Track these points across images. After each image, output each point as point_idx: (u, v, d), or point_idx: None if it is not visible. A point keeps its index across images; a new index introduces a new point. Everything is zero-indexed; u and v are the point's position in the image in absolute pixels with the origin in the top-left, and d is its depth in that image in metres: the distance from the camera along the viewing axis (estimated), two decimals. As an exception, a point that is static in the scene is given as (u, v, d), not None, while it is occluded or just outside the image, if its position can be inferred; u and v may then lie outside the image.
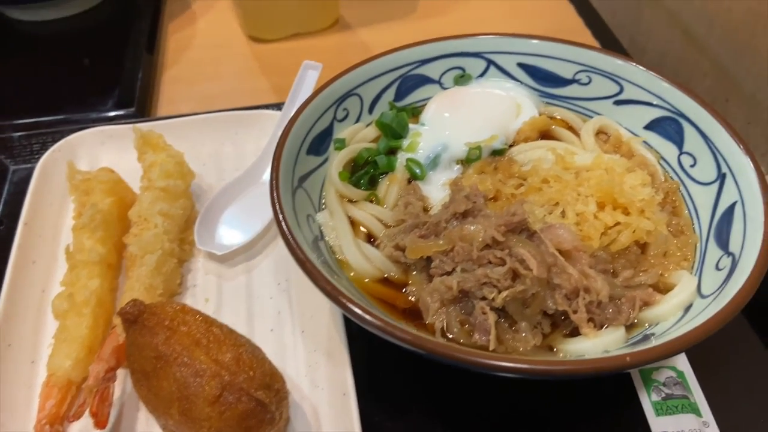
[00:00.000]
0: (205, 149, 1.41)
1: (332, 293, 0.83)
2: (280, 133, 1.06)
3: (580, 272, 0.89)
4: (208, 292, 1.16)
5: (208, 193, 1.34)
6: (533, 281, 0.87)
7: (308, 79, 1.42)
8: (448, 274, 0.92)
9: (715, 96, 1.78)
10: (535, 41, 1.24)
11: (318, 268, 0.86)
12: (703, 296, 0.90)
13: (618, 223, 0.98)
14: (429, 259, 0.95)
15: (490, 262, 0.90)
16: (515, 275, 0.88)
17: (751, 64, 1.62)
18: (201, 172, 1.37)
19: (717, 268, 0.93)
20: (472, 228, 0.92)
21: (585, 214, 0.98)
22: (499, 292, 0.88)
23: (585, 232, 0.95)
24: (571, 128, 1.22)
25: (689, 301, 0.90)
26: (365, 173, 1.13)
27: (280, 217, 0.93)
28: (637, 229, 0.97)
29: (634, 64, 1.17)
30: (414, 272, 0.98)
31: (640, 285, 0.94)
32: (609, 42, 1.81)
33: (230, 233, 1.23)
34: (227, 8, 1.95)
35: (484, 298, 0.90)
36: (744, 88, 1.66)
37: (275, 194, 0.96)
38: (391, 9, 1.92)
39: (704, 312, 0.84)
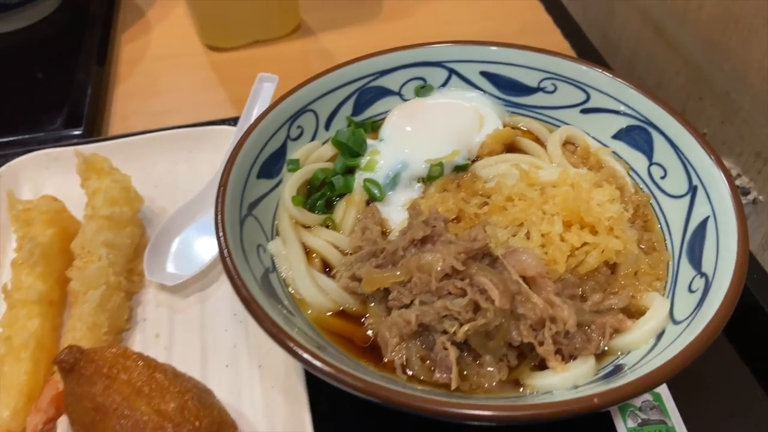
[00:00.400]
0: (157, 170, 1.34)
1: (278, 336, 0.77)
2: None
3: (546, 301, 0.84)
4: (158, 327, 1.09)
5: (161, 218, 1.26)
6: (496, 313, 0.82)
7: (264, 93, 1.35)
8: (407, 306, 0.87)
9: (689, 94, 1.74)
10: (496, 48, 1.18)
11: (264, 309, 0.80)
12: (676, 322, 0.85)
13: (585, 244, 0.93)
14: (387, 290, 0.89)
15: (450, 293, 0.85)
16: (477, 306, 0.83)
17: (724, 62, 1.57)
18: (153, 195, 1.30)
19: (690, 289, 0.88)
20: (430, 257, 0.86)
21: (550, 235, 0.92)
22: (461, 325, 0.83)
23: (551, 256, 0.90)
24: (537, 139, 1.17)
25: (661, 328, 0.85)
26: (321, 196, 1.07)
27: (225, 252, 0.86)
28: (605, 250, 0.92)
29: (600, 70, 1.12)
30: (372, 304, 0.92)
31: (611, 309, 0.89)
32: (579, 41, 1.76)
33: (182, 262, 1.16)
34: (183, 16, 1.87)
35: (445, 332, 0.84)
36: (717, 87, 1.62)
37: (220, 226, 0.89)
38: (354, 12, 1.85)
39: (677, 341, 0.79)
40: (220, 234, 0.88)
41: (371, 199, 1.07)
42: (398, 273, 0.87)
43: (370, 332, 0.90)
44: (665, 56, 1.77)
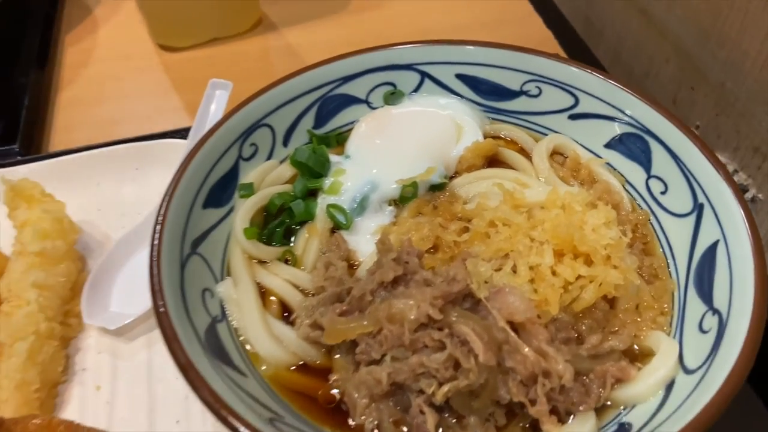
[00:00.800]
0: (100, 191, 1.20)
1: (218, 412, 0.64)
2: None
3: (537, 351, 0.73)
4: (100, 378, 0.96)
5: (104, 247, 1.13)
6: (480, 369, 0.70)
7: (217, 102, 1.21)
8: (377, 362, 0.74)
9: (680, 84, 1.61)
10: (474, 48, 1.05)
11: (203, 378, 0.67)
12: (688, 371, 0.74)
13: (580, 277, 0.81)
14: (355, 341, 0.77)
15: (426, 346, 0.73)
16: (458, 362, 0.71)
17: (718, 49, 1.46)
18: (95, 221, 1.16)
19: (701, 329, 0.77)
20: (401, 304, 0.74)
21: (540, 269, 0.80)
22: (440, 384, 0.71)
23: (541, 295, 0.78)
24: (522, 149, 1.05)
25: (671, 377, 0.74)
26: (279, 224, 0.94)
27: (160, 308, 0.73)
28: (603, 283, 0.80)
29: (590, 71, 0.99)
30: (338, 355, 0.80)
31: (611, 352, 0.78)
32: (562, 29, 1.63)
33: (127, 300, 1.03)
34: (134, 13, 1.71)
35: (421, 392, 0.72)
36: (711, 76, 1.50)
37: (155, 275, 0.76)
38: (320, 5, 1.70)
39: (692, 397, 0.68)
40: (155, 284, 0.75)
41: (336, 227, 0.94)
42: (365, 323, 0.75)
43: (336, 390, 0.78)
44: (653, 43, 1.64)
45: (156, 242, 0.79)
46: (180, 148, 1.19)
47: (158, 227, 0.81)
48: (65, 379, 0.96)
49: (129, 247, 1.10)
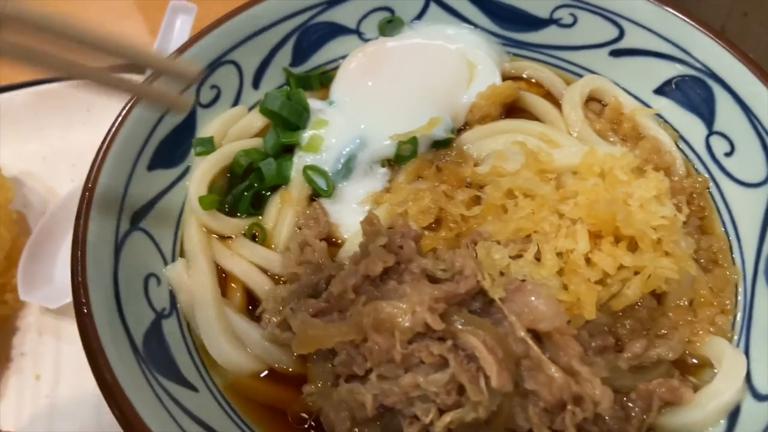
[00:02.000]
0: (45, 137, 1.04)
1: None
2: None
3: (567, 370, 0.56)
4: (40, 365, 0.85)
5: (49, 205, 0.96)
6: (493, 396, 0.54)
7: (179, 29, 1.02)
8: (360, 378, 0.58)
9: (731, 8, 1.38)
10: (492, -38, 0.83)
11: (131, 403, 0.52)
12: (757, 395, 0.58)
13: (622, 267, 0.63)
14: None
15: (422, 362, 0.56)
16: (463, 387, 0.55)
17: (782, -32, 1.23)
18: (38, 172, 1.01)
19: (777, 339, 0.60)
20: (391, 309, 0.57)
21: (572, 258, 0.63)
22: (440, 412, 0.55)
23: (573, 293, 0.61)
24: (549, 94, 0.85)
25: (735, 402, 0.59)
26: (246, 189, 0.76)
27: (81, 302, 0.57)
28: (652, 276, 0.63)
29: (641, -7, 0.78)
30: (312, 362, 0.63)
31: (659, 363, 0.62)
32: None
33: (73, 272, 0.87)
34: None
35: (416, 418, 0.57)
36: (769, 1, 1.27)
37: (77, 260, 0.59)
38: None
39: (766, 436, 0.52)
40: (77, 277, 0.58)
41: (315, 194, 0.76)
42: (345, 329, 0.58)
43: (311, 403, 0.62)
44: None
45: (82, 219, 0.62)
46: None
47: (84, 199, 0.63)
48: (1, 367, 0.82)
49: (73, 211, 0.93)
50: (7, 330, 0.85)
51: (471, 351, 0.56)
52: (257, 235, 0.74)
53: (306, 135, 0.78)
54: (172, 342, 0.64)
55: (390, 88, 0.81)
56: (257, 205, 0.76)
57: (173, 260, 0.71)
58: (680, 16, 0.76)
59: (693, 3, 1.46)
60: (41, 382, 0.82)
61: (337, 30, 0.87)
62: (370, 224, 0.63)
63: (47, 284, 0.87)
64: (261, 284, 0.69)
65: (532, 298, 0.59)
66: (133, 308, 0.62)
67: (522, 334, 0.57)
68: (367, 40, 0.88)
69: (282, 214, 0.74)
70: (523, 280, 0.62)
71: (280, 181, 0.76)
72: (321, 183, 0.75)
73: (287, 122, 0.77)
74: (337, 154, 0.76)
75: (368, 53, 0.84)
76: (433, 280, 0.62)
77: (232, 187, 0.77)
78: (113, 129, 0.70)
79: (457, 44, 0.85)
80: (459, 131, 0.81)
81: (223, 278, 0.71)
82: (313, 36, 0.86)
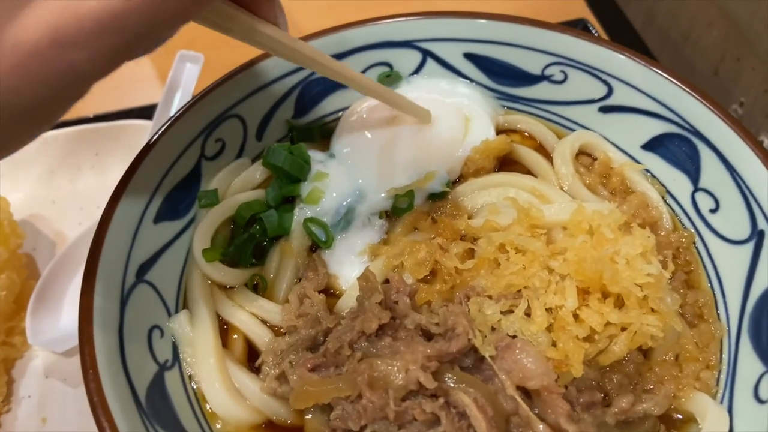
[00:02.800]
0: (54, 181, 1.07)
1: None
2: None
3: (555, 428, 0.58)
4: (46, 407, 0.86)
5: (58, 249, 0.99)
6: (482, 453, 0.56)
7: (186, 78, 1.05)
8: (356, 433, 0.60)
9: (724, 53, 1.42)
10: (485, 22, 0.87)
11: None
12: (740, 453, 0.59)
13: (609, 323, 0.66)
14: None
15: (415, 419, 0.58)
16: (454, 442, 0.57)
17: (772, 17, 1.26)
18: (47, 216, 1.04)
19: (758, 397, 0.62)
20: (385, 367, 0.59)
21: (561, 314, 0.65)
22: (432, 468, 0.57)
23: (561, 350, 0.63)
24: (540, 146, 0.88)
25: (719, 460, 0.60)
26: (248, 240, 0.78)
27: (86, 356, 0.59)
28: (638, 332, 0.65)
29: (627, 54, 0.81)
30: (309, 415, 0.66)
31: (645, 419, 0.64)
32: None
33: (79, 316, 0.89)
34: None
35: (409, 473, 0.58)
36: (761, 46, 1.30)
37: (84, 311, 0.62)
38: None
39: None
40: (85, 335, 0.61)
41: (315, 246, 0.79)
42: (341, 385, 0.60)
43: (308, 456, 0.64)
44: (695, 3, 1.44)
45: (89, 274, 0.65)
46: (145, 131, 1.04)
47: (93, 251, 0.66)
48: (7, 409, 0.86)
49: (86, 249, 0.94)
50: (15, 372, 0.88)
51: (462, 409, 0.59)
52: (258, 285, 0.76)
53: (307, 188, 0.80)
54: (174, 395, 0.66)
55: (389, 141, 0.84)
56: (259, 256, 0.79)
57: (176, 311, 0.73)
58: (666, 76, 0.79)
59: (688, 47, 1.50)
60: (48, 425, 0.84)
61: (337, 84, 0.90)
62: (366, 281, 0.66)
63: (54, 328, 0.90)
64: (261, 335, 0.71)
65: (522, 356, 0.61)
66: (136, 361, 0.64)
67: (512, 392, 0.60)
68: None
69: (283, 265, 0.77)
70: (514, 336, 0.65)
71: (281, 232, 0.78)
72: (320, 235, 0.77)
73: (289, 175, 0.80)
74: (337, 206, 0.79)
75: (368, 107, 0.88)
76: (426, 334, 0.65)
77: (234, 238, 0.80)
78: (121, 185, 0.72)
79: (453, 98, 0.88)
80: (454, 183, 0.84)
81: (225, 329, 0.73)
82: (314, 89, 0.90)
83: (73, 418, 0.84)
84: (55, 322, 0.90)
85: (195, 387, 0.69)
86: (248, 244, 0.78)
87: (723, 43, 1.40)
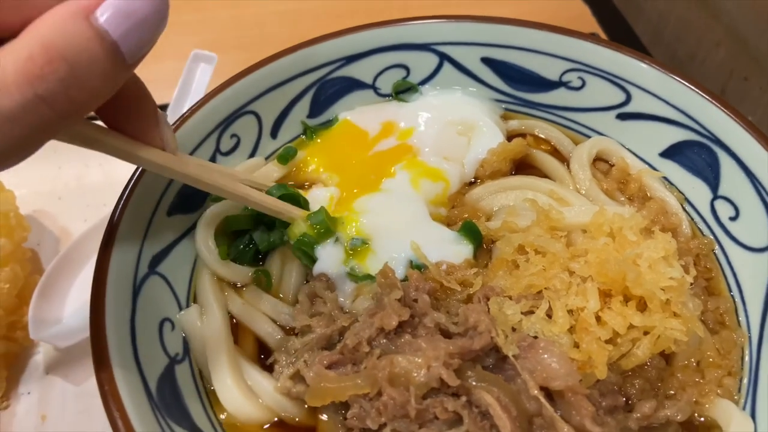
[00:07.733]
0: (62, 176, 1.05)
1: None
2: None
3: (579, 429, 0.57)
4: (46, 404, 0.84)
5: (63, 244, 0.98)
6: (505, 453, 0.54)
7: (199, 77, 1.04)
8: (373, 432, 0.59)
9: (731, 72, 1.43)
10: (504, 27, 0.88)
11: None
12: (766, 461, 0.58)
13: (632, 326, 0.64)
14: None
15: (437, 418, 0.57)
16: (477, 442, 0.55)
17: (779, 36, 1.28)
18: (54, 212, 1.02)
19: (783, 404, 0.61)
20: (406, 363, 0.58)
21: (583, 317, 0.64)
22: (453, 468, 0.55)
23: (585, 352, 0.62)
24: (556, 151, 0.88)
25: (744, 467, 0.59)
26: (248, 243, 0.76)
27: (98, 343, 0.57)
28: (661, 336, 0.64)
29: (647, 61, 0.82)
30: (324, 415, 0.64)
31: (667, 425, 0.62)
32: (599, 5, 1.43)
33: (85, 310, 0.87)
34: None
35: (429, 474, 0.57)
36: (768, 64, 1.31)
37: (97, 299, 0.60)
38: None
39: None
40: (98, 324, 0.59)
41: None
42: (360, 381, 0.59)
43: (321, 457, 0.62)
44: (702, 23, 1.45)
45: (102, 261, 0.63)
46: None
47: (107, 240, 0.65)
48: (6, 405, 0.84)
49: (90, 245, 0.94)
50: (16, 368, 0.85)
51: (485, 408, 0.57)
52: (262, 281, 0.74)
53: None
54: (184, 388, 0.64)
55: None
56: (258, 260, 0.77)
57: (187, 305, 0.71)
58: (685, 83, 0.79)
59: (695, 66, 1.51)
60: (47, 422, 0.81)
61: (353, 84, 0.90)
62: (385, 277, 0.65)
63: (57, 323, 0.87)
64: (272, 334, 0.69)
65: (546, 356, 0.60)
66: (147, 352, 0.62)
67: (535, 392, 0.58)
68: (381, 95, 0.92)
69: (287, 267, 0.74)
70: (535, 337, 0.63)
71: (276, 246, 0.75)
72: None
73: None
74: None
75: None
76: (446, 334, 0.63)
77: (239, 234, 0.78)
78: (135, 176, 0.71)
79: (459, 108, 0.88)
80: (470, 185, 0.83)
81: (235, 325, 0.72)
82: (330, 90, 0.89)
83: (72, 417, 0.82)
84: (57, 317, 0.88)
85: (205, 383, 0.67)
86: (247, 250, 0.76)
87: (730, 63, 1.41)
